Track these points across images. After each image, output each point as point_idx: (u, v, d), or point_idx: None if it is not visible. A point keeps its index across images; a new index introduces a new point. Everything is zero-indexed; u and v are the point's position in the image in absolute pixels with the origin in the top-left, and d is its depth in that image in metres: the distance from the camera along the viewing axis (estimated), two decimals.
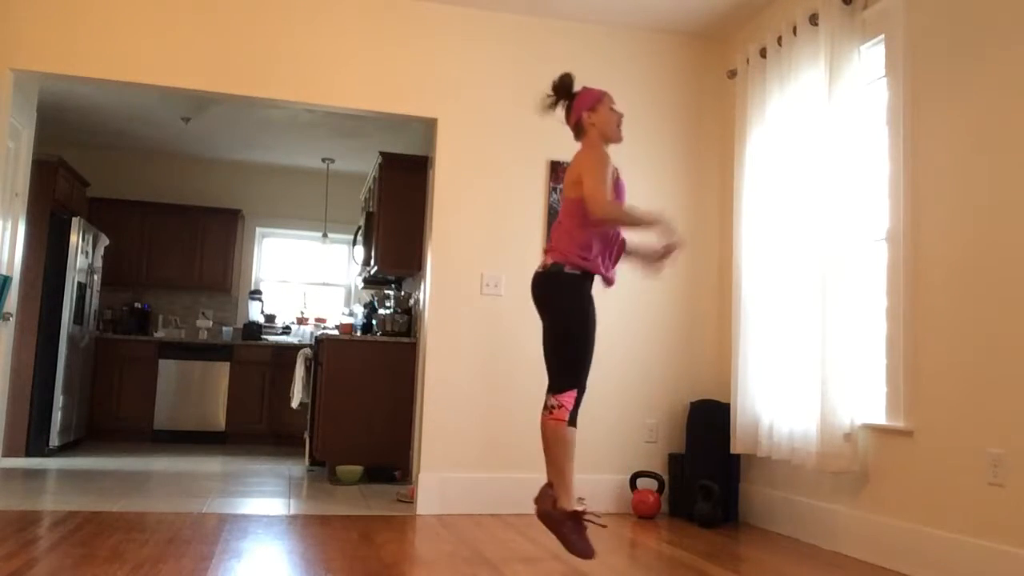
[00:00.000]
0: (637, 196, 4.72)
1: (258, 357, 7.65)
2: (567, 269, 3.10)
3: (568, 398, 3.05)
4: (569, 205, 3.13)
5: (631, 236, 3.34)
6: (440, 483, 4.30)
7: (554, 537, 3.12)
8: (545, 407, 3.09)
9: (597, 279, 3.17)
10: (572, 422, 3.05)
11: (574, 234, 3.11)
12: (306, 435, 6.03)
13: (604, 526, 3.26)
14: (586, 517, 3.02)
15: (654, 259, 3.25)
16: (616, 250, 3.22)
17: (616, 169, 3.18)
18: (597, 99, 3.23)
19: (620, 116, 3.26)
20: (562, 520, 3.01)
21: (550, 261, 3.15)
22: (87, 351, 6.90)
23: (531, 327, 4.43)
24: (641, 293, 4.64)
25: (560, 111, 3.32)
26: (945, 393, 3.12)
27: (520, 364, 4.45)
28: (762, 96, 4.25)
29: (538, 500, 3.09)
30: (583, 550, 2.98)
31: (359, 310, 6.91)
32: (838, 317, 3.55)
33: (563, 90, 3.27)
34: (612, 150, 3.22)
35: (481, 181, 4.52)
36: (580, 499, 3.13)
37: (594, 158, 3.11)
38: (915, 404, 3.26)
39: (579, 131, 3.26)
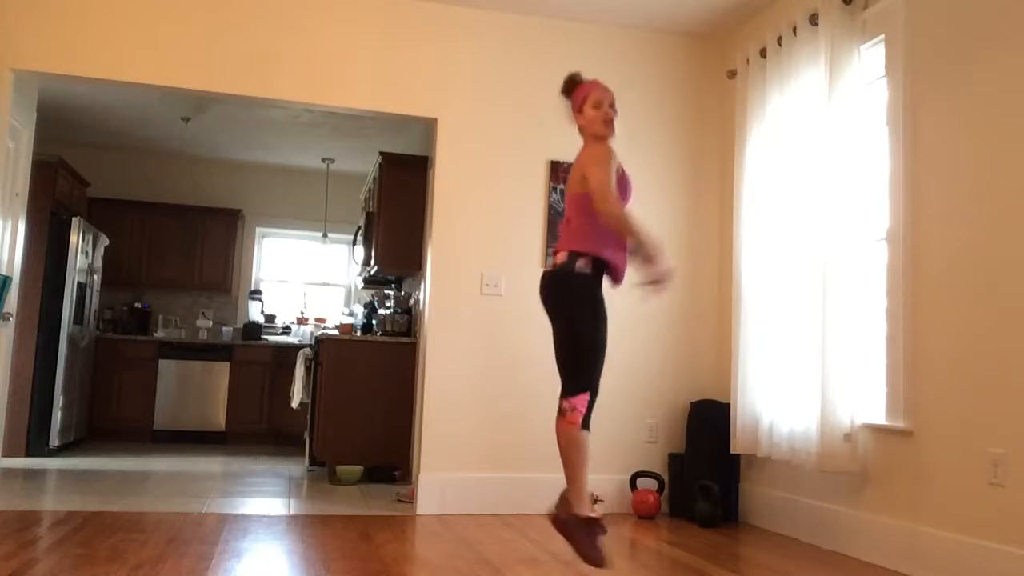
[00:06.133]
0: (638, 197, 4.72)
1: (258, 357, 7.65)
2: (578, 268, 3.02)
3: (581, 401, 2.96)
4: (576, 200, 3.09)
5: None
6: (440, 483, 4.30)
7: (566, 542, 3.01)
8: (559, 411, 2.99)
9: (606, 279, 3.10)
10: (586, 425, 2.95)
11: (584, 230, 3.05)
12: (306, 435, 6.03)
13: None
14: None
15: (648, 277, 3.03)
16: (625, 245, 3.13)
17: (621, 167, 3.14)
18: (581, 100, 3.19)
19: (606, 113, 3.14)
20: (575, 526, 2.92)
21: (560, 260, 3.07)
22: (87, 351, 6.90)
23: (531, 327, 4.44)
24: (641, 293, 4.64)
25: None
26: (945, 393, 3.12)
27: (520, 364, 4.45)
28: (762, 96, 4.25)
29: (556, 506, 3.01)
30: (595, 559, 2.90)
31: (359, 310, 6.91)
32: (838, 317, 3.54)
33: (566, 93, 3.25)
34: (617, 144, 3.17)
35: (481, 181, 4.52)
36: (599, 499, 2.98)
37: (596, 152, 3.08)
38: (915, 404, 3.26)
39: (580, 130, 3.24)
